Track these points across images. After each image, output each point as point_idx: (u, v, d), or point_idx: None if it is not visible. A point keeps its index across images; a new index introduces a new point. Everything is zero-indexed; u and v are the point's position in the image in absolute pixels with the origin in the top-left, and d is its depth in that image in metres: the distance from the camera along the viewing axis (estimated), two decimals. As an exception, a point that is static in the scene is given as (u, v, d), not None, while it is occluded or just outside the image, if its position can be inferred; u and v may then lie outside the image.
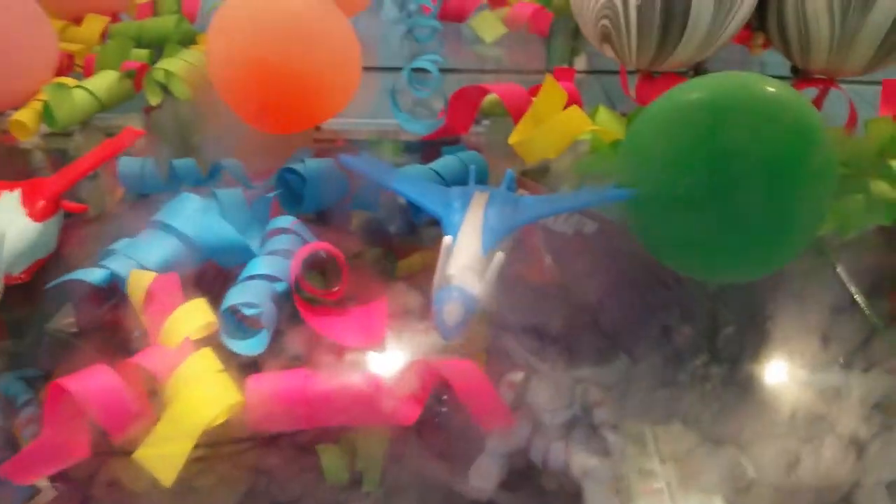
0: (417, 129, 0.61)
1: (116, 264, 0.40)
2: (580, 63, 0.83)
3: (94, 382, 0.32)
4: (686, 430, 0.36)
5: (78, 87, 0.61)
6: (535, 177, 0.56)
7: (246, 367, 0.36)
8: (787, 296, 0.44)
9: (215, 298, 0.39)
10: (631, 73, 0.66)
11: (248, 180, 0.51)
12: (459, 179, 0.50)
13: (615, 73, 0.68)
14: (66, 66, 0.69)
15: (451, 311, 0.36)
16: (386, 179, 0.45)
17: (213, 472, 0.33)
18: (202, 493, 0.33)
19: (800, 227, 0.39)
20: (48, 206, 0.43)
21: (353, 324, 0.39)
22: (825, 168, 0.39)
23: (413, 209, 0.49)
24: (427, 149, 0.60)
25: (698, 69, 0.70)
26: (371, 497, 0.33)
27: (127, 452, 0.31)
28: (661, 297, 0.45)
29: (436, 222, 0.43)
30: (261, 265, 0.41)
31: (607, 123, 0.58)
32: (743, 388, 0.39)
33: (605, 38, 0.60)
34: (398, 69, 0.69)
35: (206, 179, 0.52)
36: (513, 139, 0.56)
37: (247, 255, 0.43)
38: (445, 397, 0.35)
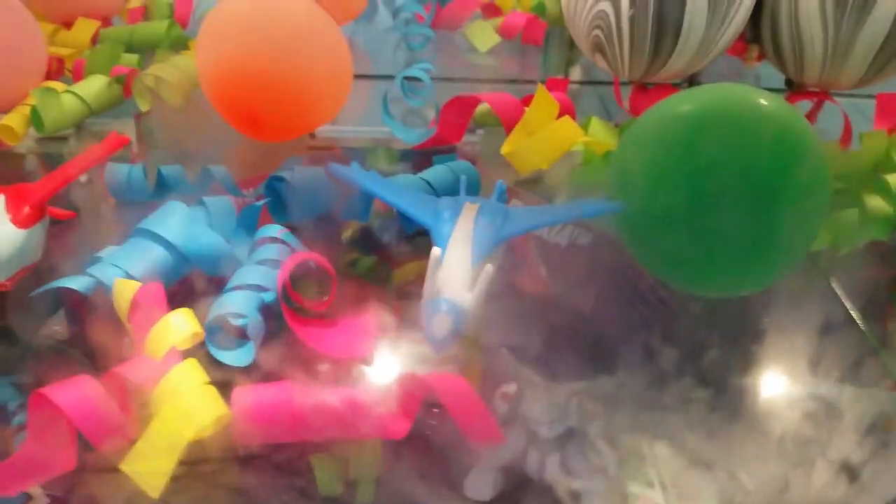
0: (409, 137, 0.61)
1: (101, 272, 0.39)
2: (575, 73, 0.83)
3: (76, 392, 0.31)
4: (675, 449, 0.36)
5: (66, 91, 0.61)
6: (529, 187, 0.56)
7: (229, 379, 0.35)
8: (780, 311, 0.44)
9: (201, 308, 0.38)
10: (625, 84, 0.66)
11: (236, 188, 0.50)
12: (450, 189, 0.50)
13: (611, 83, 0.68)
14: (56, 70, 0.68)
15: (439, 323, 0.36)
16: (375, 189, 0.45)
17: (190, 491, 0.32)
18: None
19: (791, 242, 0.39)
20: (33, 213, 0.42)
21: (340, 335, 0.39)
22: (816, 182, 0.39)
23: (403, 218, 0.49)
24: (420, 158, 0.60)
25: (692, 81, 0.70)
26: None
27: (109, 466, 0.31)
28: (653, 310, 0.45)
29: (427, 232, 0.43)
30: (248, 275, 0.40)
31: (600, 134, 0.57)
32: (732, 408, 0.39)
33: (598, 48, 0.60)
34: (391, 77, 0.68)
35: (195, 187, 0.51)
36: (505, 149, 0.56)
37: (234, 264, 0.42)
38: (437, 410, 0.35)
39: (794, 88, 0.63)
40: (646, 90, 0.64)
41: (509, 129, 0.58)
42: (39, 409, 0.32)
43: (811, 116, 0.63)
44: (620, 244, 0.44)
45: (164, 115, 0.67)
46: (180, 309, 0.37)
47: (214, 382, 0.33)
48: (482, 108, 0.62)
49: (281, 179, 0.49)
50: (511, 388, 0.38)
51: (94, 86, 0.62)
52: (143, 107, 0.65)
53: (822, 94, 0.61)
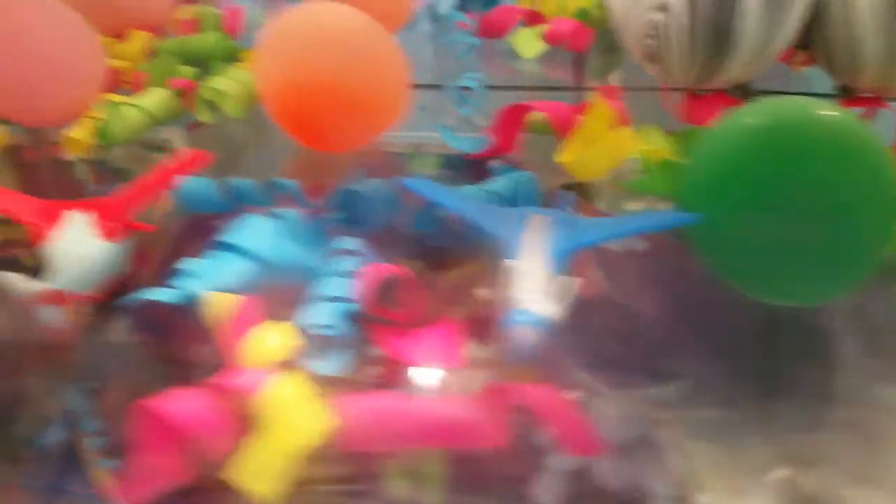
0: (464, 146, 0.62)
1: (187, 284, 0.40)
2: (617, 79, 0.84)
3: (186, 403, 0.32)
4: (741, 456, 0.36)
5: (130, 104, 0.62)
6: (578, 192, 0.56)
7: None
8: (853, 319, 0.44)
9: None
10: (669, 90, 0.66)
11: (304, 199, 0.52)
12: (512, 200, 0.51)
13: (653, 90, 0.69)
14: (113, 82, 0.70)
15: (523, 334, 0.37)
16: (445, 200, 0.46)
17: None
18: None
19: (866, 250, 0.40)
20: (120, 227, 0.43)
21: (426, 344, 0.39)
22: (888, 190, 0.40)
23: (468, 228, 0.50)
24: (467, 165, 0.61)
25: (742, 87, 0.70)
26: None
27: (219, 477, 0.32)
28: (723, 318, 0.46)
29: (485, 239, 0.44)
30: (333, 286, 0.41)
31: (656, 143, 0.58)
32: (802, 413, 0.39)
33: (650, 55, 0.60)
34: (435, 86, 0.69)
35: (262, 198, 0.52)
36: (562, 158, 0.56)
37: (313, 275, 0.43)
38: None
39: (846, 94, 0.64)
40: (699, 97, 0.65)
41: (563, 138, 0.59)
42: (147, 420, 0.33)
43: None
44: (676, 250, 0.45)
45: (217, 126, 0.68)
46: (277, 321, 0.38)
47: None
48: (534, 116, 0.63)
49: (351, 191, 0.50)
50: (578, 395, 0.39)
51: (155, 98, 0.64)
52: (204, 118, 0.66)
53: (875, 101, 0.62)
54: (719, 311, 0.46)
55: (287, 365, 0.37)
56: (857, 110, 0.63)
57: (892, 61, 0.56)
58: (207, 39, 0.77)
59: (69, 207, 0.44)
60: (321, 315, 0.40)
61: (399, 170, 0.64)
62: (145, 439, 0.33)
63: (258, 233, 0.43)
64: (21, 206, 0.45)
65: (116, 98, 0.63)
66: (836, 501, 0.34)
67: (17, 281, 0.39)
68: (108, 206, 0.44)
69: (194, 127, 0.67)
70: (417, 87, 0.76)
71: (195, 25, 0.84)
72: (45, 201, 0.45)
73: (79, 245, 0.42)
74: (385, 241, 0.50)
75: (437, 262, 0.49)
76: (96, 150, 0.62)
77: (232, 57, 0.77)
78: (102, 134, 0.61)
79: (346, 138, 0.59)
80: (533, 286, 0.38)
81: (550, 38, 0.85)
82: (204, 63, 0.75)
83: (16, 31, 0.58)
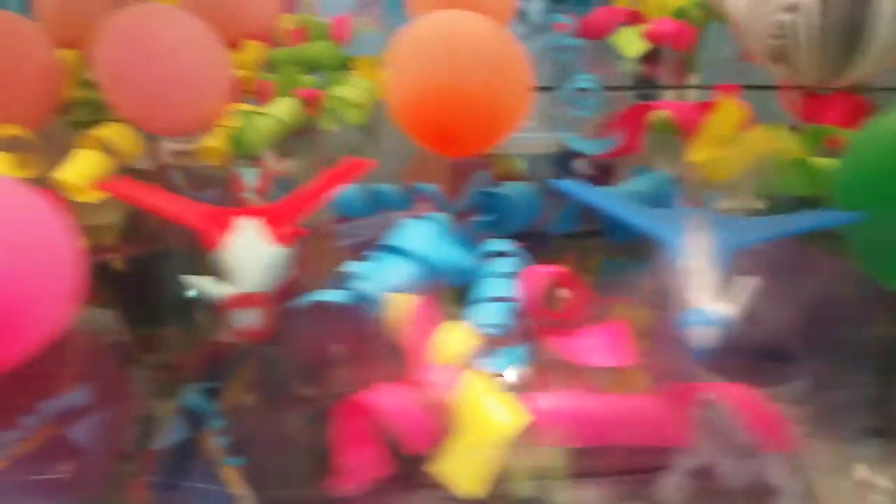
0: (590, 148, 0.62)
1: (363, 286, 0.42)
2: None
3: (391, 398, 0.34)
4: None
5: (263, 113, 0.64)
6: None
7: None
8: None
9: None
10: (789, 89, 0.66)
11: (446, 203, 0.53)
12: (654, 200, 0.51)
13: (753, 88, 0.68)
14: (237, 92, 0.72)
15: (704, 333, 0.37)
16: (599, 201, 0.47)
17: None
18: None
19: None
20: (290, 232, 0.45)
21: (596, 343, 0.40)
22: None
23: (610, 229, 0.51)
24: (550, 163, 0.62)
25: (856, 87, 0.70)
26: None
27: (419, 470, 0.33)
28: (865, 314, 0.45)
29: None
30: (495, 287, 0.43)
31: (786, 142, 0.58)
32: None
33: (777, 55, 0.60)
34: (548, 88, 0.70)
35: (405, 202, 0.54)
36: (694, 157, 0.57)
37: (473, 276, 0.45)
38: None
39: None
40: (819, 96, 0.64)
41: (688, 137, 0.59)
42: (350, 415, 0.34)
43: None
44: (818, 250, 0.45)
45: (328, 133, 0.70)
46: (456, 321, 0.39)
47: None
48: (657, 115, 0.64)
49: (494, 194, 0.51)
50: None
51: (284, 107, 0.66)
52: (327, 126, 0.68)
53: None
54: (854, 309, 0.46)
55: (466, 364, 0.39)
56: None
57: None
58: (319, 48, 0.79)
59: (237, 214, 0.46)
60: (488, 315, 0.41)
61: (515, 172, 0.65)
62: (352, 433, 0.34)
63: (419, 235, 0.44)
64: (191, 212, 0.47)
65: (249, 107, 0.65)
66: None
67: (210, 286, 0.41)
68: (275, 212, 0.46)
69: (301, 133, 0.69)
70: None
71: (303, 35, 0.86)
72: (213, 208, 0.47)
73: (254, 250, 0.43)
74: (530, 241, 0.51)
75: (583, 260, 0.50)
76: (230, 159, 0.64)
77: (343, 65, 0.79)
78: (238, 142, 0.63)
79: (474, 142, 0.60)
80: (706, 286, 0.39)
81: (652, 37, 0.85)
82: (317, 71, 0.77)
83: (153, 45, 0.61)
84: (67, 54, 0.71)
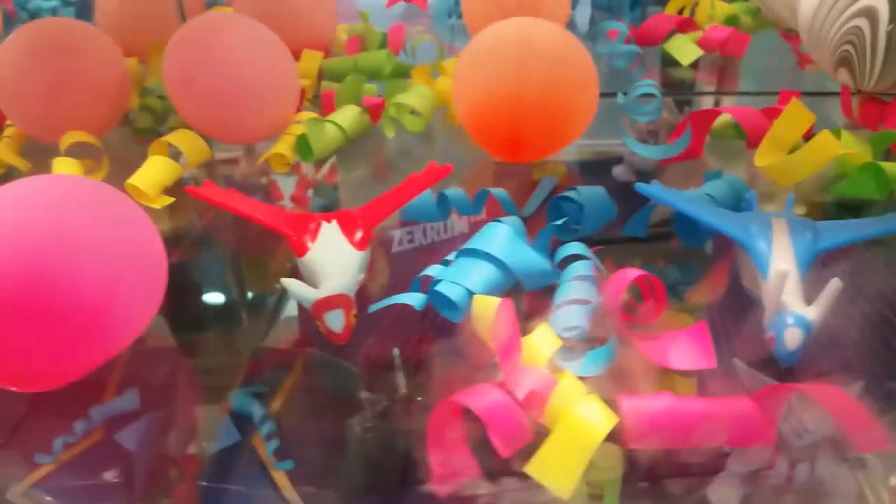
0: (651, 153, 0.63)
1: (446, 289, 0.43)
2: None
3: (487, 399, 0.34)
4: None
5: (328, 121, 0.66)
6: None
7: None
8: None
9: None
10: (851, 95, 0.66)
11: (514, 207, 0.54)
12: (728, 205, 0.52)
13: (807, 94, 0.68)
14: (301, 99, 0.73)
15: (792, 336, 0.37)
16: (683, 205, 0.47)
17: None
18: None
19: None
20: (366, 236, 0.46)
21: (678, 346, 0.41)
22: None
23: (683, 232, 0.51)
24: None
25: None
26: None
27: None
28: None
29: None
30: (575, 290, 0.43)
31: (852, 146, 0.58)
32: None
33: (844, 62, 0.60)
34: (610, 94, 0.71)
35: (474, 207, 0.55)
36: (760, 162, 0.57)
37: (551, 279, 0.45)
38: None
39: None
40: (879, 102, 0.64)
41: (754, 142, 0.59)
42: (444, 416, 0.35)
43: None
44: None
45: (388, 140, 0.71)
46: (540, 324, 0.40)
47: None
48: (720, 120, 0.64)
49: (567, 199, 0.52)
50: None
51: (349, 115, 0.67)
52: (389, 133, 0.69)
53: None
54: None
55: (552, 366, 0.39)
56: None
57: None
58: (377, 57, 0.80)
59: (319, 219, 0.47)
60: (568, 319, 0.42)
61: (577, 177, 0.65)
62: (449, 433, 0.35)
63: (498, 239, 0.45)
64: (278, 217, 0.48)
65: (314, 115, 0.66)
66: None
67: (302, 289, 0.42)
68: (352, 217, 0.47)
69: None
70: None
71: (359, 44, 0.87)
72: (296, 213, 0.48)
73: (339, 253, 0.44)
74: (603, 245, 0.52)
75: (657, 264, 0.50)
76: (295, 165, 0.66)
77: (402, 73, 0.80)
78: (302, 149, 0.64)
79: (542, 148, 0.60)
80: (793, 288, 0.39)
81: (706, 45, 0.86)
82: (372, 80, 0.78)
83: (223, 53, 0.62)
84: (130, 62, 0.73)
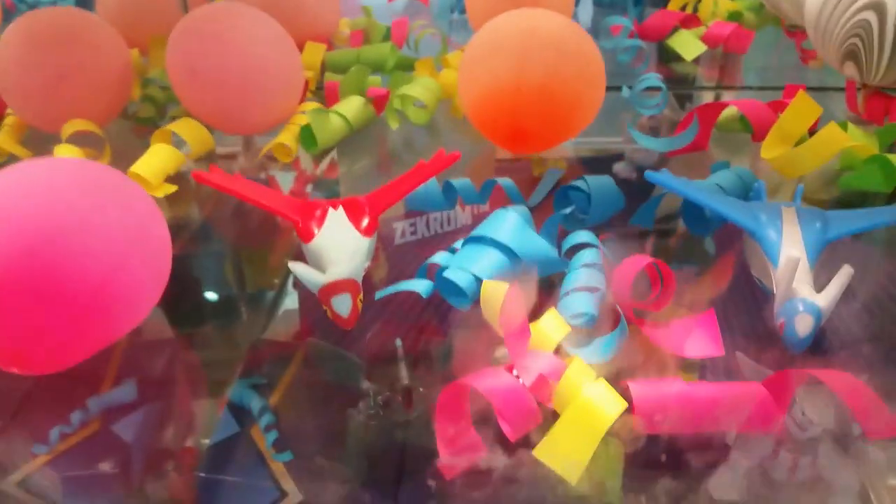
0: (658, 145, 0.63)
1: (454, 276, 0.42)
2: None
3: (495, 381, 0.34)
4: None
5: (332, 112, 0.65)
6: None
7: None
8: None
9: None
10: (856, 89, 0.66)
11: (521, 197, 0.53)
12: (737, 193, 0.51)
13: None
14: (304, 91, 0.73)
15: (802, 323, 0.37)
16: (692, 194, 0.47)
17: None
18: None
19: None
20: (372, 223, 0.46)
21: (687, 334, 0.40)
22: None
23: (691, 222, 0.51)
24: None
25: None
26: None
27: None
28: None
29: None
30: (584, 277, 0.43)
31: (859, 139, 0.58)
32: None
33: (851, 56, 0.60)
34: (615, 88, 0.70)
35: (480, 197, 0.54)
36: (767, 154, 0.57)
37: (559, 267, 0.45)
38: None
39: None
40: (885, 96, 0.64)
41: (760, 135, 0.59)
42: (452, 399, 0.35)
43: None
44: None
45: (391, 132, 0.71)
46: (549, 311, 0.39)
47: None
48: (726, 113, 0.64)
49: (575, 188, 0.51)
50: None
51: (353, 106, 0.67)
52: (394, 125, 0.69)
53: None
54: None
55: (561, 352, 0.39)
56: None
57: None
58: (381, 50, 0.80)
59: (326, 206, 0.47)
60: (577, 305, 0.41)
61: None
62: (457, 416, 0.35)
63: (507, 227, 0.45)
64: (285, 203, 0.47)
65: (318, 106, 0.66)
66: None
67: (309, 273, 0.41)
68: (358, 204, 0.47)
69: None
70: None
71: (362, 37, 0.87)
72: (303, 201, 0.48)
73: (346, 239, 0.44)
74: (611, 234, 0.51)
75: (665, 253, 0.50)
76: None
77: (405, 66, 0.80)
78: (306, 140, 0.64)
79: (547, 138, 0.60)
80: (803, 276, 0.39)
81: (709, 40, 0.86)
82: (376, 73, 0.77)
83: (228, 43, 0.62)
84: (132, 54, 0.72)
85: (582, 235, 0.47)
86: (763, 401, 0.35)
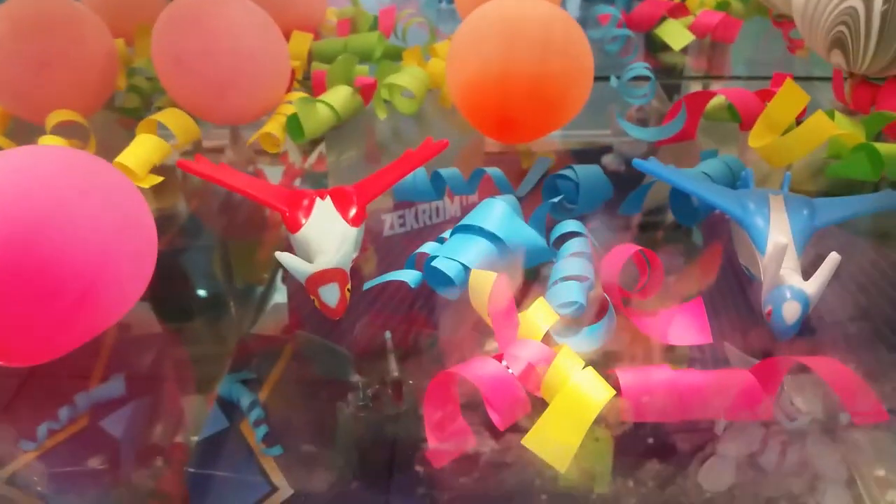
0: (645, 135, 0.63)
1: (442, 265, 0.42)
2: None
3: (484, 370, 0.34)
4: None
5: (319, 101, 0.65)
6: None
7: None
8: None
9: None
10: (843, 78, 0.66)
11: (510, 187, 0.53)
12: (724, 182, 0.51)
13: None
14: (291, 80, 0.73)
15: (790, 310, 0.37)
16: (680, 182, 0.47)
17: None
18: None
19: None
20: (360, 213, 0.46)
21: (675, 322, 0.40)
22: None
23: (678, 212, 0.51)
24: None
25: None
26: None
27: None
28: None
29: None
30: (571, 265, 0.43)
31: (846, 128, 0.58)
32: None
33: (838, 44, 0.60)
34: (603, 78, 0.70)
35: (468, 187, 0.54)
36: (755, 143, 0.57)
37: (547, 256, 0.45)
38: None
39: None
40: (873, 85, 0.65)
41: (748, 124, 0.59)
42: (441, 388, 0.35)
43: None
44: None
45: (379, 122, 0.71)
46: (538, 299, 0.39)
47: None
48: (714, 102, 0.64)
49: (563, 177, 0.51)
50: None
51: (341, 95, 0.66)
52: (381, 115, 0.68)
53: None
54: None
55: (549, 340, 0.39)
56: None
57: None
58: (368, 39, 0.80)
59: (313, 195, 0.46)
60: (566, 294, 0.41)
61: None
62: (446, 404, 0.35)
63: (495, 215, 0.45)
64: (272, 193, 0.47)
65: (305, 95, 0.65)
66: None
67: (296, 262, 0.41)
68: (346, 194, 0.46)
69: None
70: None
71: (350, 26, 0.87)
72: (290, 190, 0.48)
73: (333, 229, 0.44)
74: (599, 223, 0.52)
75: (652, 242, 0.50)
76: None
77: (393, 56, 0.79)
78: (293, 129, 0.64)
79: (535, 128, 0.60)
80: (791, 263, 0.39)
81: (697, 30, 0.86)
82: (363, 62, 0.77)
83: (213, 32, 0.61)
84: (117, 44, 0.72)
85: (570, 225, 0.47)
86: (750, 387, 0.35)
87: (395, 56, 0.79)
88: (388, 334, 0.43)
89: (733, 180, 0.51)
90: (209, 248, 0.56)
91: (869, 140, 0.57)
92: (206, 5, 0.62)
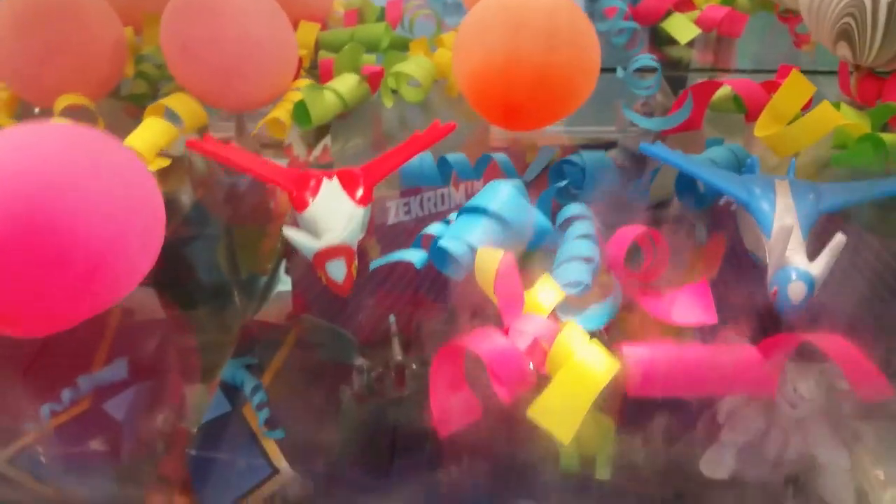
0: (651, 125, 0.63)
1: (449, 244, 0.42)
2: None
3: (490, 342, 0.34)
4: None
5: (326, 88, 0.65)
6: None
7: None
8: None
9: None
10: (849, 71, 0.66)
11: (516, 171, 0.53)
12: (730, 169, 0.52)
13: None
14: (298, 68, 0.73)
15: (795, 290, 0.38)
16: (687, 166, 0.47)
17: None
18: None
19: None
20: (367, 194, 0.46)
21: (681, 302, 0.41)
22: None
23: (686, 195, 0.51)
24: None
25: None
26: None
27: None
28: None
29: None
30: (577, 247, 0.43)
31: (852, 118, 0.58)
32: None
33: (844, 36, 0.60)
34: (609, 70, 0.71)
35: (475, 172, 0.54)
36: (760, 132, 0.57)
37: (554, 239, 0.45)
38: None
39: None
40: (877, 78, 0.65)
41: (753, 115, 0.60)
42: (447, 360, 0.35)
43: None
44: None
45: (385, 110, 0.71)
46: (543, 276, 0.40)
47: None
48: (720, 93, 0.64)
49: (570, 163, 0.52)
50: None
51: (348, 83, 0.66)
52: (388, 103, 0.69)
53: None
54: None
55: (555, 317, 0.39)
56: None
57: None
58: (375, 30, 0.80)
59: (320, 175, 0.47)
60: (572, 274, 0.42)
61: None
62: (452, 377, 0.35)
63: (501, 197, 0.45)
64: (280, 173, 0.47)
65: (312, 83, 0.66)
66: None
67: (304, 238, 0.41)
68: (353, 175, 0.47)
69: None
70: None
71: (356, 16, 0.87)
72: (298, 170, 0.48)
73: (340, 208, 0.44)
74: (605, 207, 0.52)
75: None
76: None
77: (400, 46, 0.80)
78: (299, 116, 0.64)
79: (542, 116, 0.60)
80: (796, 245, 0.39)
81: (703, 23, 0.86)
82: (370, 52, 0.77)
83: (222, 18, 0.61)
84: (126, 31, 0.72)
85: (575, 208, 0.47)
86: (756, 363, 0.35)
87: (401, 47, 0.79)
88: (392, 318, 0.43)
89: (739, 168, 0.52)
90: (214, 235, 0.56)
91: (874, 132, 0.57)
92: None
